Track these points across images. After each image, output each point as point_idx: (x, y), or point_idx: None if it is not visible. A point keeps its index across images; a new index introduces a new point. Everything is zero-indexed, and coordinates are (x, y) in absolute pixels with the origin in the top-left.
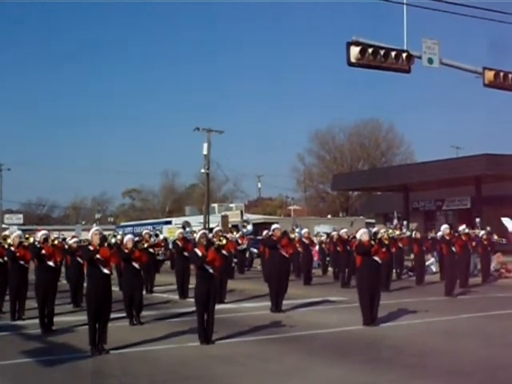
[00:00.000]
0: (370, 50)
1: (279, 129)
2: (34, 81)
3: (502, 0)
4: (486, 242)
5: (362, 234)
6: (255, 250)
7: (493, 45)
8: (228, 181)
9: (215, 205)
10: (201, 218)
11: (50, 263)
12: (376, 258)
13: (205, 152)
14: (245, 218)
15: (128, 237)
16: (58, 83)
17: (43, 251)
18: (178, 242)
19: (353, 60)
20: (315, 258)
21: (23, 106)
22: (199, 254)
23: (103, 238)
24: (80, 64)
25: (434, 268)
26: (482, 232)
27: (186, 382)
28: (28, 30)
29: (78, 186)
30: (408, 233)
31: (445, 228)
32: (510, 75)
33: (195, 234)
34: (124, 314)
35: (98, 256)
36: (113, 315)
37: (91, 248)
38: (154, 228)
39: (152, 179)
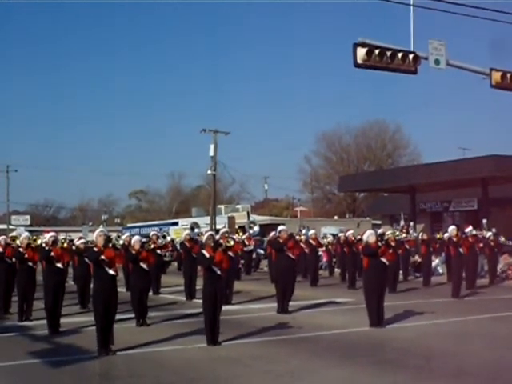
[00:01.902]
0: (377, 52)
1: (286, 130)
2: (39, 82)
3: (508, 0)
4: (493, 244)
5: (369, 236)
6: (262, 251)
7: (498, 45)
8: (234, 182)
9: (222, 206)
10: (207, 220)
11: (59, 265)
12: (383, 260)
13: (211, 153)
14: (251, 219)
15: (135, 238)
16: (64, 84)
17: (52, 253)
18: (186, 243)
19: (359, 61)
20: (324, 259)
21: (29, 107)
22: (207, 255)
23: (107, 239)
24: (85, 64)
25: (440, 269)
26: (489, 233)
27: (191, 383)
28: (30, 31)
29: (85, 188)
30: (415, 234)
31: (452, 229)
32: None
33: (202, 236)
34: (131, 315)
35: (102, 257)
36: (119, 316)
37: (96, 249)
38: (160, 229)
39: (158, 180)
